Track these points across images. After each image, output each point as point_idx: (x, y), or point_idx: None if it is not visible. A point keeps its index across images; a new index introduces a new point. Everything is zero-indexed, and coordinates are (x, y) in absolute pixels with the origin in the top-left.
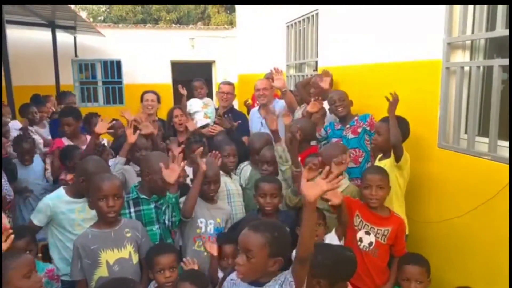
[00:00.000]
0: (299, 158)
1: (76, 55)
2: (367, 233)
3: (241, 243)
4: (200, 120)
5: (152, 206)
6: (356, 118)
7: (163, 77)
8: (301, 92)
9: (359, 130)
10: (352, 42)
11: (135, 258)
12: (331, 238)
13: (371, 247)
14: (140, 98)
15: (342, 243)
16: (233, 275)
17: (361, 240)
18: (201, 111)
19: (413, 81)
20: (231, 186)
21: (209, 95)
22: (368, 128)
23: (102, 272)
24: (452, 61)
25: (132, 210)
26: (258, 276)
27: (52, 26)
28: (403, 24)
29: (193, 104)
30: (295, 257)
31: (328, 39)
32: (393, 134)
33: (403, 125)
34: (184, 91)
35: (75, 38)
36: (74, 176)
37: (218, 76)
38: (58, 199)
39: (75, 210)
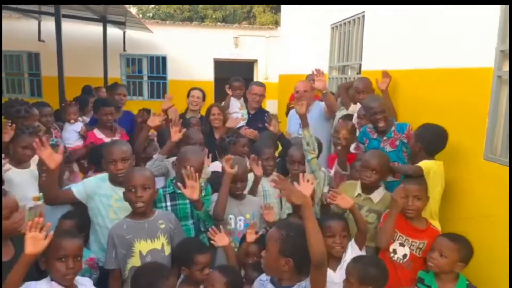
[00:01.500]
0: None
1: (124, 50)
2: (402, 244)
3: (267, 237)
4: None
5: (188, 201)
6: (393, 128)
7: (206, 75)
8: (343, 95)
9: (397, 142)
10: (398, 46)
11: (167, 250)
12: (352, 247)
13: (405, 260)
14: (186, 94)
15: (363, 252)
16: (263, 276)
17: (394, 251)
18: (239, 113)
19: (461, 88)
20: (268, 187)
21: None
22: (405, 140)
23: (135, 262)
24: (504, 70)
25: (168, 204)
26: (275, 273)
27: (104, 21)
28: (453, 28)
29: (232, 104)
30: (312, 262)
31: (373, 42)
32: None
33: (438, 135)
34: (230, 92)
35: (124, 33)
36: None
37: (259, 76)
38: (102, 181)
39: (112, 197)
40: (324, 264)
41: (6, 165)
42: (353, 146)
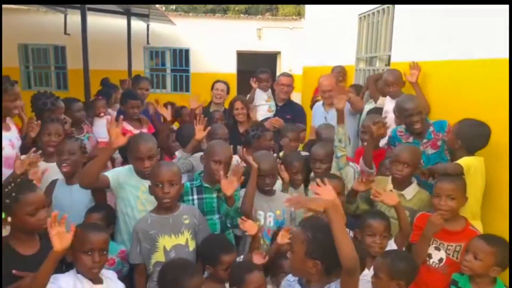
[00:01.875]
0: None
1: (148, 43)
2: (437, 248)
3: (291, 237)
4: (263, 113)
5: (214, 195)
6: (432, 129)
7: (228, 67)
8: (371, 87)
9: (439, 143)
10: (430, 36)
11: (191, 245)
12: (390, 247)
13: (441, 264)
14: (210, 87)
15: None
16: (290, 276)
17: (430, 256)
18: (266, 105)
19: (499, 80)
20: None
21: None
22: (446, 139)
23: (159, 257)
24: None
25: (195, 197)
26: (302, 275)
27: (128, 13)
28: (489, 17)
29: (258, 97)
30: (342, 267)
31: (403, 32)
32: None
33: (479, 131)
34: (255, 85)
35: (148, 26)
36: None
37: (282, 68)
38: (130, 172)
39: (139, 189)
40: (356, 271)
41: (42, 164)
42: (383, 141)
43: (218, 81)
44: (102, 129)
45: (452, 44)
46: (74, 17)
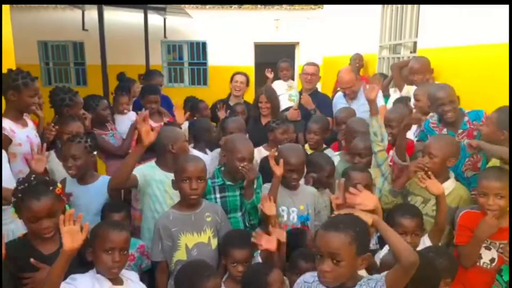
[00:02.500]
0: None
1: (165, 36)
2: (487, 248)
3: (323, 247)
4: (284, 102)
5: (238, 193)
6: (466, 119)
7: (246, 59)
8: (396, 75)
9: (475, 133)
10: (459, 20)
11: (214, 243)
12: (424, 243)
13: (493, 264)
14: (230, 79)
15: None
16: (308, 277)
17: (480, 256)
18: (285, 94)
19: None
20: (319, 200)
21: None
22: (484, 132)
23: (180, 255)
24: None
25: (217, 196)
26: (347, 278)
27: (145, 7)
28: None
29: (278, 86)
30: (398, 265)
31: (431, 17)
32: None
33: None
34: (270, 75)
35: (164, 19)
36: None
37: (301, 58)
38: (152, 168)
39: (166, 183)
40: (412, 269)
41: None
42: (412, 131)
43: (237, 73)
44: (124, 126)
45: (483, 28)
46: (91, 12)
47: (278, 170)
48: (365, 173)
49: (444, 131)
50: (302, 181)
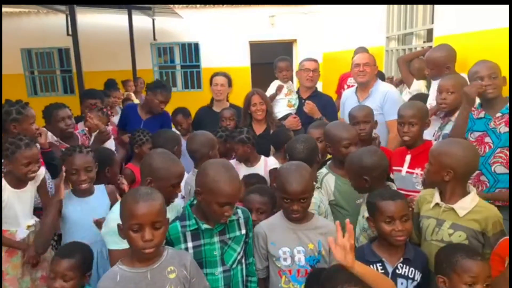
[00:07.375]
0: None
1: (154, 39)
2: None
3: None
4: (283, 109)
5: (216, 239)
6: (508, 103)
7: (241, 60)
8: (402, 69)
9: None
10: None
11: None
12: None
13: None
14: (209, 81)
15: None
16: None
17: None
18: (285, 99)
19: None
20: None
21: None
22: None
23: None
24: None
25: (189, 245)
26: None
27: (128, 7)
28: None
29: (275, 89)
30: None
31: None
32: None
33: None
34: (279, 92)
35: (153, 21)
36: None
37: (299, 56)
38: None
39: None
40: None
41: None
42: (429, 131)
43: (216, 74)
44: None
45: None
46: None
47: None
48: (399, 200)
49: (482, 114)
50: (313, 208)
